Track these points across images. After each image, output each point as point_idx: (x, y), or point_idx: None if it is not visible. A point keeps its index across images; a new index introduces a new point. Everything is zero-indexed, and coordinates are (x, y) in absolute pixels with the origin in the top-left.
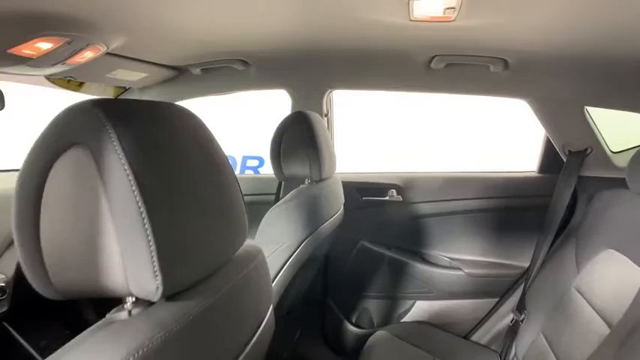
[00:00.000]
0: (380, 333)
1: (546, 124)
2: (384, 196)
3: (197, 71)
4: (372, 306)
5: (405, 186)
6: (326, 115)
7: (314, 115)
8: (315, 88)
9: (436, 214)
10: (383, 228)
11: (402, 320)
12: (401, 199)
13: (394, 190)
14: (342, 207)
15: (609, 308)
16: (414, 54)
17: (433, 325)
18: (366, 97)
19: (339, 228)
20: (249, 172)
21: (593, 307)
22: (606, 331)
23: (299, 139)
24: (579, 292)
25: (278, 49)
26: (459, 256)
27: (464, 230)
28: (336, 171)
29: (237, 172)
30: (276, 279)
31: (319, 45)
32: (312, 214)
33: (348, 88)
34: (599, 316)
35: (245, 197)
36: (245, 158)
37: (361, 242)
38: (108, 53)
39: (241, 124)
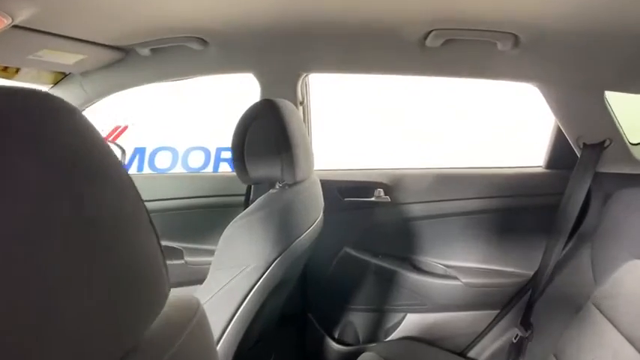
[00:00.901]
0: (367, 355)
1: (559, 111)
2: (370, 197)
3: (145, 52)
4: (358, 320)
5: (394, 185)
6: (301, 104)
7: (286, 104)
8: (288, 71)
9: (429, 216)
10: (368, 233)
11: (390, 335)
12: (389, 200)
13: (381, 190)
14: (322, 213)
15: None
16: (405, 29)
17: (425, 341)
18: (348, 82)
19: (320, 235)
20: (224, 166)
21: (618, 328)
22: (635, 358)
23: (267, 133)
24: (599, 309)
25: (242, 24)
26: (455, 264)
27: (461, 234)
28: (314, 168)
29: (210, 167)
30: (239, 311)
31: (292, 20)
32: (284, 227)
33: (326, 71)
34: (626, 339)
35: (213, 199)
36: (219, 150)
37: (344, 249)
38: (22, 28)
39: (216, 112)
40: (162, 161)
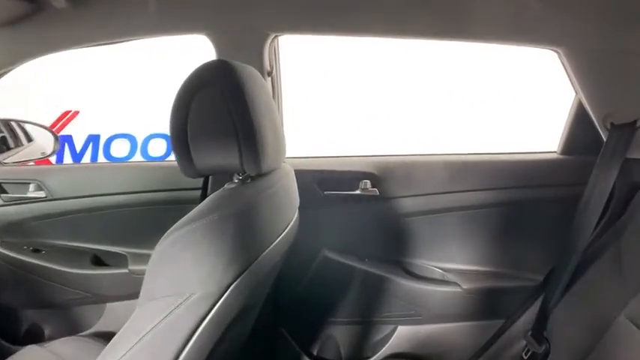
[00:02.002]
0: None
1: (584, 83)
2: (355, 190)
3: (61, 3)
4: (339, 334)
5: (383, 175)
6: (269, 74)
7: (249, 70)
8: (252, 31)
9: (425, 211)
10: (353, 232)
11: (379, 351)
12: (377, 193)
13: (368, 181)
14: (297, 212)
15: None
16: None
17: (419, 357)
18: (329, 46)
19: (295, 237)
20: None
21: None
22: None
23: (220, 106)
24: (635, 324)
25: None
26: (454, 267)
27: (462, 232)
28: (287, 155)
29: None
30: (186, 349)
31: None
32: (244, 237)
33: (301, 32)
34: None
35: (163, 194)
36: (148, 139)
37: (323, 252)
38: None
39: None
40: (119, 150)
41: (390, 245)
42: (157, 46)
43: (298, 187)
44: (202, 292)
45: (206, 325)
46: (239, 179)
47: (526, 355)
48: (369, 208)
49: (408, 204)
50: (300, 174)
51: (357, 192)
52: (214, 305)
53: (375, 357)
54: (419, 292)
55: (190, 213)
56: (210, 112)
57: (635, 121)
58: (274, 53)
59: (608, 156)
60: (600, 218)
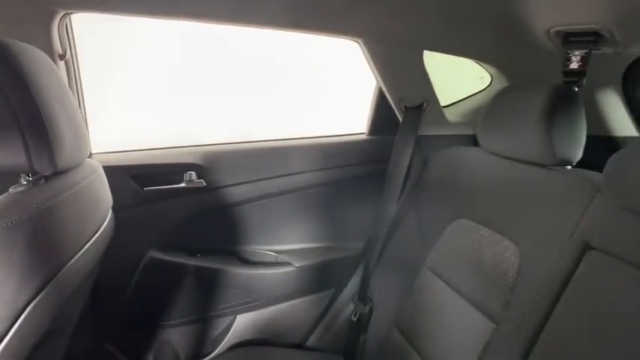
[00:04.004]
0: None
1: (382, 71)
2: (179, 183)
3: None
4: (175, 337)
5: (209, 165)
6: (62, 57)
7: (32, 51)
8: (34, 6)
9: (253, 198)
10: (181, 228)
11: (220, 345)
12: (204, 185)
13: (193, 173)
14: (111, 212)
15: (483, 295)
16: None
17: (261, 342)
18: (134, 26)
19: (111, 241)
20: None
21: (460, 294)
22: (477, 317)
23: None
24: (436, 275)
25: None
26: (286, 248)
27: (290, 214)
28: (94, 151)
29: None
30: None
31: None
32: (42, 246)
33: (94, 10)
34: (472, 305)
35: None
36: None
37: (149, 254)
38: None
39: None
40: None
41: (222, 236)
42: None
43: (112, 186)
44: None
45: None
46: (28, 180)
47: (355, 316)
48: (196, 201)
49: (236, 192)
50: (113, 171)
51: (182, 185)
52: (6, 334)
53: (215, 352)
54: (255, 278)
55: None
56: None
57: (422, 104)
58: (68, 34)
59: (404, 134)
60: (403, 188)
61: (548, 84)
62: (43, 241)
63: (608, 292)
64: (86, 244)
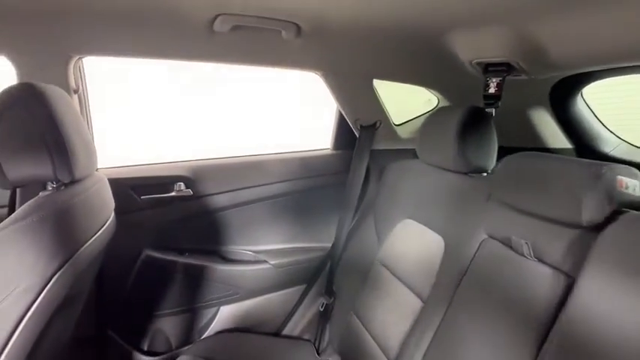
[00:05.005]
0: (182, 359)
1: (339, 97)
2: (170, 192)
3: None
4: (167, 325)
5: (196, 177)
6: (76, 92)
7: (54, 90)
8: (55, 52)
9: (234, 205)
10: (171, 231)
11: (205, 333)
12: (191, 193)
13: (182, 184)
14: (113, 214)
15: (417, 280)
16: (192, 10)
17: (241, 330)
18: (135, 67)
19: (113, 240)
20: None
21: (401, 280)
22: (412, 298)
23: (29, 123)
24: (384, 266)
25: None
26: (263, 248)
27: (266, 218)
28: (100, 166)
29: None
30: (8, 346)
31: None
32: (64, 233)
33: (103, 55)
34: (409, 288)
35: None
36: None
37: (145, 252)
38: None
39: None
40: None
41: (207, 237)
42: None
43: (115, 194)
44: (26, 284)
45: (30, 317)
46: (53, 187)
47: (322, 307)
48: (184, 208)
49: (219, 200)
50: (116, 182)
51: (173, 194)
52: (39, 295)
53: (202, 338)
54: (236, 274)
55: (10, 216)
56: (20, 130)
57: (375, 123)
58: (80, 73)
59: (360, 149)
60: (363, 196)
61: (467, 107)
62: (63, 230)
63: (498, 273)
64: (94, 235)
